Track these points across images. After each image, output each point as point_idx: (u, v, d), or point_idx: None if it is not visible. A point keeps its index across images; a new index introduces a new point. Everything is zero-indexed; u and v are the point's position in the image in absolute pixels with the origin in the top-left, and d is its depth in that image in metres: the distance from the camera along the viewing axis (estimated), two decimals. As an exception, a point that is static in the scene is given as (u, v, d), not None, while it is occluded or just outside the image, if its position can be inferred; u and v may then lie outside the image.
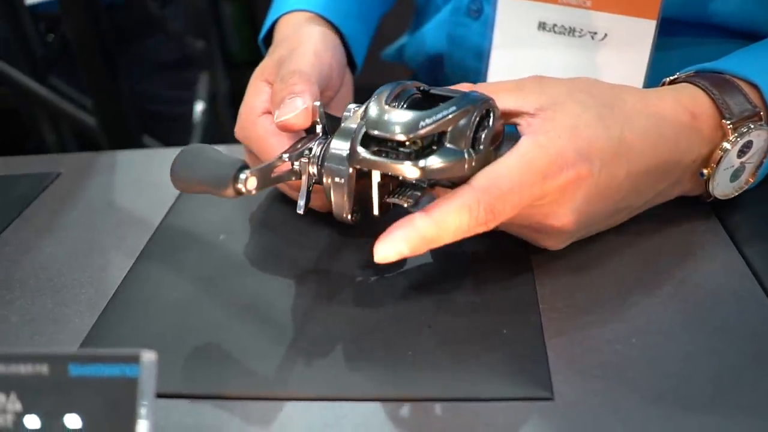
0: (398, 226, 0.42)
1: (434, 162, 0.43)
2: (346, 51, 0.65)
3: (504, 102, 0.47)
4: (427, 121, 0.43)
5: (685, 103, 0.49)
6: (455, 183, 0.44)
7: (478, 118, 0.44)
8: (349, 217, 0.47)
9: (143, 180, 0.68)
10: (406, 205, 0.46)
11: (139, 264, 0.54)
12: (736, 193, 0.52)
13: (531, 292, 0.47)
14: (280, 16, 0.65)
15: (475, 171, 0.44)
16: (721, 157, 0.49)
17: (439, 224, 0.42)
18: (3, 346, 0.47)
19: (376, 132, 0.44)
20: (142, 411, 0.31)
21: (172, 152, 0.74)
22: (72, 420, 0.32)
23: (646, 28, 0.58)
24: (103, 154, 0.76)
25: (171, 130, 1.49)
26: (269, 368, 0.43)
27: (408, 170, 0.43)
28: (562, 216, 0.45)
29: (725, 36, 0.62)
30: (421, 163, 0.43)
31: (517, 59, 0.64)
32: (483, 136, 0.44)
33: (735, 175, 0.51)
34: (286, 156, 0.47)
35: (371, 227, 0.55)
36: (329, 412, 0.40)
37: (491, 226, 0.43)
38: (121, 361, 0.31)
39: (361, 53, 0.67)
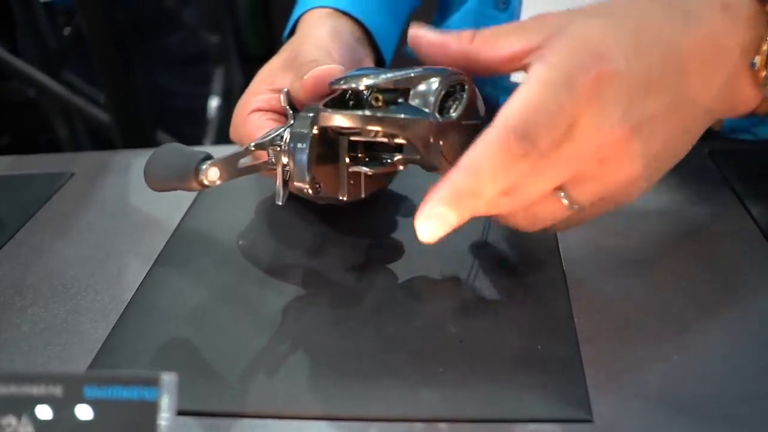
0: (431, 190, 0.39)
1: (392, 112, 0.42)
2: (374, 47, 0.63)
3: (508, 45, 0.43)
4: (389, 75, 0.43)
5: None
6: (428, 165, 0.44)
7: (444, 86, 0.43)
8: (308, 186, 0.45)
9: (159, 180, 0.66)
10: (369, 172, 0.46)
11: (156, 270, 0.52)
12: None
13: (565, 304, 0.45)
14: (302, 14, 0.63)
15: (446, 142, 0.42)
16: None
17: (473, 171, 0.38)
18: (15, 357, 0.45)
19: (341, 83, 0.44)
20: (162, 436, 0.29)
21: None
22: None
23: None
24: (117, 153, 0.74)
25: (185, 126, 1.47)
26: (292, 385, 0.41)
27: (364, 119, 0.42)
28: (612, 124, 0.40)
29: None
30: (379, 113, 0.42)
31: None
32: (454, 106, 0.43)
33: None
34: (252, 145, 0.46)
35: (399, 235, 0.53)
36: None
37: (535, 157, 0.38)
38: (140, 384, 0.30)
39: (389, 49, 0.65)
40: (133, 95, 1.02)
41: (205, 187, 0.44)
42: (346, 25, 0.60)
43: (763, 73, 0.45)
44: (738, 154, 0.61)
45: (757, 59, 0.45)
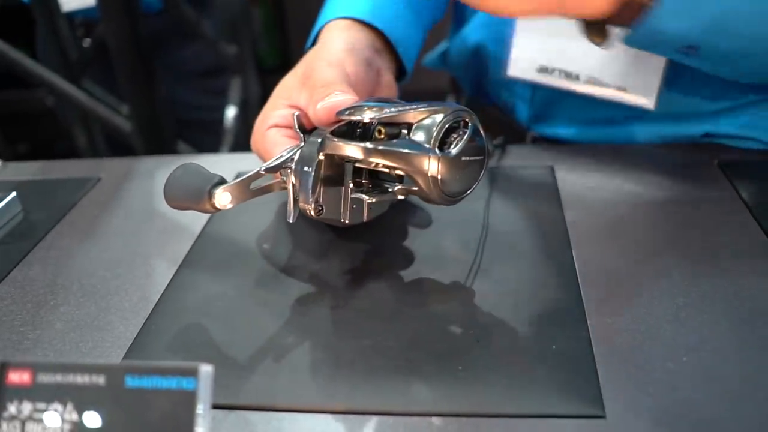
0: None
1: (393, 146, 0.44)
2: (395, 56, 0.64)
3: None
4: (392, 109, 0.45)
5: None
6: (426, 197, 0.45)
7: (448, 123, 0.45)
8: (311, 208, 0.47)
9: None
10: (366, 200, 0.47)
11: (182, 272, 0.54)
12: None
13: (578, 306, 0.46)
14: (324, 25, 0.65)
15: (444, 176, 0.44)
16: None
17: None
18: (50, 353, 0.47)
19: (347, 114, 0.46)
20: (200, 423, 0.31)
21: (212, 158, 0.75)
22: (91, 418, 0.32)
23: None
24: (142, 159, 0.76)
25: (203, 135, 1.49)
26: (317, 380, 0.42)
27: (365, 151, 0.44)
28: None
29: None
30: (380, 146, 0.44)
31: (540, 45, 0.66)
32: (455, 142, 0.45)
33: None
34: (263, 169, 0.48)
35: (412, 242, 0.55)
36: (378, 426, 0.39)
37: None
38: (179, 374, 0.31)
39: (411, 58, 0.66)
40: (155, 105, 1.04)
41: (217, 210, 0.47)
42: (364, 37, 0.62)
43: None
44: (747, 165, 0.63)
45: None
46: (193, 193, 0.47)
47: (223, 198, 0.46)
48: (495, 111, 0.78)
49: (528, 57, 0.66)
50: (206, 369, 0.32)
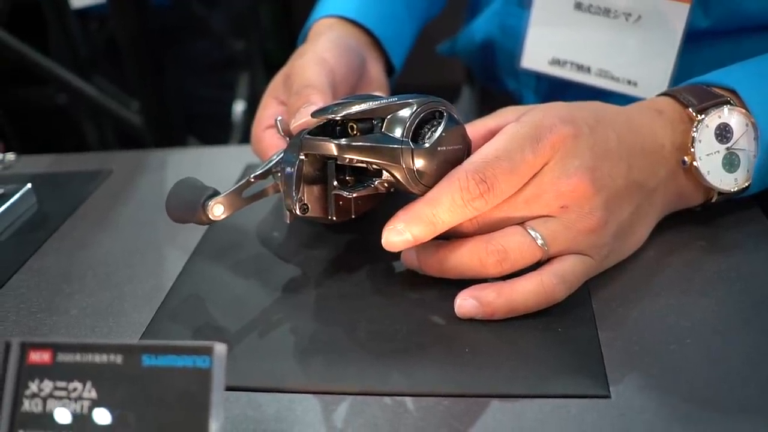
0: (401, 209, 0.45)
1: (363, 141, 0.44)
2: (383, 52, 0.66)
3: (484, 124, 0.50)
4: (363, 105, 0.45)
5: (647, 104, 0.51)
6: (405, 189, 0.45)
7: (421, 113, 0.45)
8: (296, 207, 0.47)
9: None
10: (350, 195, 0.47)
11: (194, 260, 0.55)
12: (746, 184, 0.51)
13: (583, 290, 0.47)
14: (314, 22, 0.66)
15: (421, 167, 0.44)
16: (694, 139, 0.49)
17: (431, 201, 0.44)
18: (65, 338, 0.48)
19: (320, 114, 0.46)
20: (214, 401, 0.32)
21: (222, 150, 0.76)
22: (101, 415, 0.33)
23: (680, 11, 0.59)
24: (153, 152, 0.77)
25: (212, 129, 1.51)
26: (327, 363, 0.43)
27: (338, 148, 0.44)
28: (573, 173, 0.44)
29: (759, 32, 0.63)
30: (353, 142, 0.44)
31: (553, 38, 0.66)
32: (429, 133, 0.45)
33: (730, 163, 0.50)
34: (252, 177, 0.49)
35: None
36: (388, 407, 0.40)
37: (491, 199, 0.43)
38: (194, 353, 0.32)
39: (399, 54, 0.68)
40: (165, 100, 1.05)
41: (212, 221, 0.47)
42: (351, 34, 0.63)
43: (700, 171, 0.49)
44: None
45: (687, 158, 0.49)
46: (189, 207, 0.48)
47: (216, 210, 0.47)
48: (507, 99, 0.79)
49: (541, 49, 0.66)
50: (220, 348, 0.32)
